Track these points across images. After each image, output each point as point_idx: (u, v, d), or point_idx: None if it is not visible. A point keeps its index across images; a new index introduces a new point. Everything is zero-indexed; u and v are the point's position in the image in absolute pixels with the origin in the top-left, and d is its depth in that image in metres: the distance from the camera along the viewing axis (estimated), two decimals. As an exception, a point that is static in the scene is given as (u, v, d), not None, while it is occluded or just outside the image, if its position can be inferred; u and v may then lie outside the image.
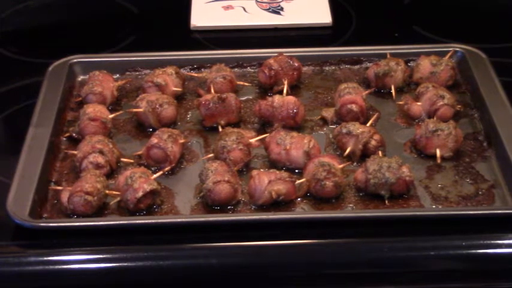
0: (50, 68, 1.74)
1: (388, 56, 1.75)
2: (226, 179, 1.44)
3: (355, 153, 1.55)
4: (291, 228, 1.42)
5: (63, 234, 1.41)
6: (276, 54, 1.74)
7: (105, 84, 1.69)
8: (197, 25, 1.98)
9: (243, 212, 1.45)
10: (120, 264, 1.38)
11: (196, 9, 2.03)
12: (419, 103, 1.65)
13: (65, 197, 1.45)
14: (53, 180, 1.52)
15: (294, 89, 1.72)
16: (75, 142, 1.59)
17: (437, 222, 1.43)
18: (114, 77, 1.74)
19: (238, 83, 1.73)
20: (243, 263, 1.40)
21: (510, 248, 1.40)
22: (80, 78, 1.76)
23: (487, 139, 1.59)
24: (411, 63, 1.76)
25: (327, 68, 1.79)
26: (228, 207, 1.46)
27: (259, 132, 1.62)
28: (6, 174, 1.51)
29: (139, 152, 1.56)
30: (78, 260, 1.38)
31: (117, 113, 1.66)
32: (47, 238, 1.40)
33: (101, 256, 1.38)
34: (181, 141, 1.56)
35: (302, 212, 1.46)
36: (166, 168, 1.53)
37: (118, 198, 1.46)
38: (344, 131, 1.56)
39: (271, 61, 1.72)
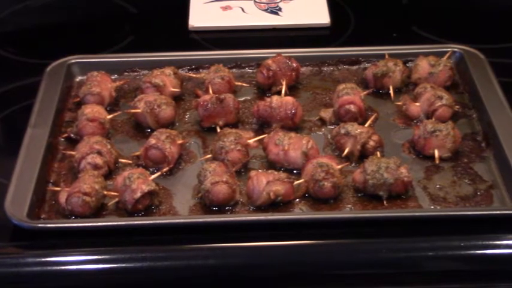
0: (48, 69, 1.74)
1: (387, 56, 1.75)
2: (224, 179, 1.44)
3: (354, 154, 1.55)
4: (289, 229, 1.41)
5: (61, 235, 1.41)
6: (274, 55, 1.73)
7: (103, 84, 1.69)
8: (195, 25, 1.98)
9: (241, 213, 1.45)
10: (118, 265, 1.38)
11: (194, 10, 2.02)
12: (417, 104, 1.65)
13: (63, 197, 1.45)
14: (51, 180, 1.52)
15: (292, 90, 1.72)
16: (73, 143, 1.58)
17: (435, 222, 1.43)
18: (112, 77, 1.74)
19: (236, 83, 1.73)
20: (242, 263, 1.40)
21: (508, 248, 1.40)
22: (78, 78, 1.76)
23: (485, 140, 1.59)
24: (409, 64, 1.76)
25: (325, 69, 1.79)
26: (226, 208, 1.46)
27: (258, 132, 1.61)
28: (4, 174, 1.51)
29: (138, 153, 1.55)
30: (76, 261, 1.38)
31: (115, 114, 1.66)
32: (45, 239, 1.40)
33: (99, 257, 1.38)
34: (180, 141, 1.56)
35: (300, 212, 1.46)
36: (165, 169, 1.53)
37: (116, 199, 1.46)
38: (342, 131, 1.56)
39: (270, 62, 1.71)
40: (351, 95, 1.63)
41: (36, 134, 1.57)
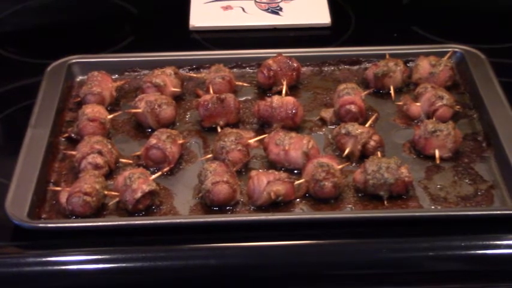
0: (49, 69, 1.74)
1: (387, 56, 1.75)
2: (225, 179, 1.44)
3: (354, 154, 1.55)
4: (290, 229, 1.42)
5: (62, 234, 1.41)
6: (275, 55, 1.73)
7: (104, 84, 1.69)
8: (196, 25, 1.98)
9: (242, 213, 1.45)
10: (119, 265, 1.38)
11: (195, 10, 2.02)
12: (418, 104, 1.65)
13: (63, 197, 1.45)
14: (52, 180, 1.52)
15: (293, 90, 1.72)
16: (73, 143, 1.58)
17: (436, 222, 1.43)
18: (113, 77, 1.74)
19: (237, 83, 1.73)
20: (242, 263, 1.40)
21: (509, 248, 1.40)
22: (79, 78, 1.76)
23: (486, 140, 1.59)
24: (410, 64, 1.76)
25: (326, 69, 1.79)
26: (227, 208, 1.46)
27: (258, 132, 1.61)
28: (5, 174, 1.51)
29: (138, 153, 1.55)
30: (76, 261, 1.38)
31: (116, 114, 1.66)
32: (45, 239, 1.40)
33: (100, 257, 1.38)
34: (180, 141, 1.56)
35: (301, 212, 1.46)
36: (165, 169, 1.53)
37: (117, 199, 1.46)
38: (343, 131, 1.56)
39: (270, 61, 1.71)
40: (351, 95, 1.63)
41: (37, 134, 1.57)
